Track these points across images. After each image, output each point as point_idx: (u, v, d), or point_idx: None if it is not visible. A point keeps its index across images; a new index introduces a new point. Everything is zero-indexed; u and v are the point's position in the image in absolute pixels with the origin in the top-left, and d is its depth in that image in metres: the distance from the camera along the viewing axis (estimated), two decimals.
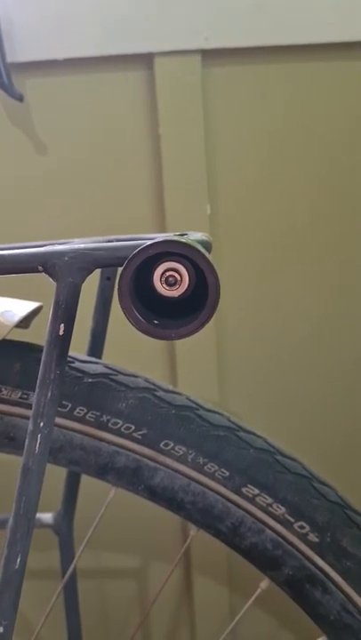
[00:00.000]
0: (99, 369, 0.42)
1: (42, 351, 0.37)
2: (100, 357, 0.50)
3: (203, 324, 0.28)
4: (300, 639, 0.84)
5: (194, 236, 0.37)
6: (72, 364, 0.41)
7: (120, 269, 0.30)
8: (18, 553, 0.34)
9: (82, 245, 0.33)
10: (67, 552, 0.55)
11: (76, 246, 0.32)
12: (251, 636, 0.82)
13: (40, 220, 0.75)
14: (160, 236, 0.29)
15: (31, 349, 0.42)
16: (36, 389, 0.33)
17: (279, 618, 0.84)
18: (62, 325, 0.33)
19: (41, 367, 0.33)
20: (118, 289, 0.28)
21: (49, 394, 0.33)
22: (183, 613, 0.85)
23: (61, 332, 0.33)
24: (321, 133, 0.75)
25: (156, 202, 0.75)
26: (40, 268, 0.33)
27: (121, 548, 0.83)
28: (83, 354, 0.49)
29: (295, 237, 0.77)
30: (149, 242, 0.28)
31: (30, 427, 0.34)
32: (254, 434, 0.43)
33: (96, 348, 0.49)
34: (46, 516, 0.55)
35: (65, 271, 0.32)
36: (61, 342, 0.33)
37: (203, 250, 0.28)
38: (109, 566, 0.83)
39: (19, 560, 0.34)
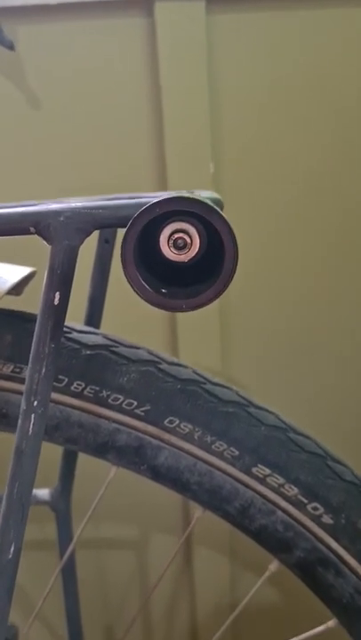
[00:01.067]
0: (98, 340, 0.39)
1: (36, 321, 0.33)
2: (98, 326, 0.46)
3: (218, 294, 0.24)
4: (307, 620, 0.83)
5: (203, 194, 0.33)
6: (69, 335, 0.38)
7: (122, 231, 0.26)
8: (11, 541, 0.31)
9: (79, 204, 0.29)
10: (64, 529, 0.52)
11: (73, 205, 0.29)
12: (253, 619, 0.80)
13: (33, 178, 0.71)
14: (166, 194, 0.25)
15: (24, 319, 0.38)
16: (29, 365, 0.30)
17: (285, 596, 0.82)
18: (58, 294, 0.29)
19: (34, 340, 0.30)
20: (122, 254, 0.24)
21: (43, 370, 0.30)
22: (183, 584, 0.83)
23: (57, 302, 0.29)
24: (329, 82, 0.70)
25: (156, 160, 0.70)
26: (32, 229, 0.29)
27: (120, 520, 0.81)
28: (80, 323, 0.46)
29: (304, 197, 0.73)
30: (156, 199, 0.24)
31: (23, 406, 0.30)
32: (266, 410, 0.40)
33: (94, 316, 0.46)
34: (42, 492, 0.52)
35: (60, 233, 0.29)
36: (56, 312, 0.30)
37: (218, 208, 0.24)
38: (108, 537, 0.82)
39: (12, 549, 0.31)
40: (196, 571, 0.81)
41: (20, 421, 0.30)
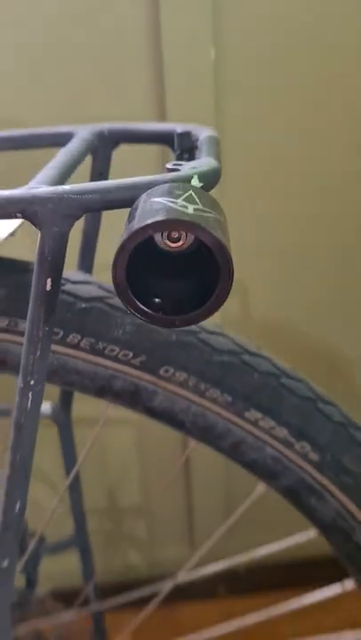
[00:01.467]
0: (92, 291, 0.38)
1: (31, 271, 0.33)
2: (90, 269, 0.45)
3: (211, 312, 0.24)
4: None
5: (198, 163, 0.31)
6: (63, 287, 0.38)
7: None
8: (17, 499, 0.33)
9: (67, 188, 0.27)
10: (67, 440, 0.55)
11: (60, 190, 0.27)
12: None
13: (10, 77, 0.65)
14: (162, 209, 0.23)
15: (18, 270, 0.37)
16: (24, 347, 0.30)
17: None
18: (49, 280, 0.29)
19: (27, 325, 0.30)
20: (113, 278, 0.23)
21: (38, 352, 0.30)
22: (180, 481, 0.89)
23: (49, 288, 0.29)
24: None
25: (152, 47, 0.64)
26: (19, 215, 0.28)
27: None
28: (71, 266, 0.45)
29: (308, 88, 0.67)
30: (145, 221, 0.23)
31: (20, 384, 0.31)
32: (260, 355, 0.41)
33: (86, 259, 0.45)
34: (44, 407, 0.54)
35: (49, 220, 0.27)
36: (49, 297, 0.29)
37: (215, 230, 0.23)
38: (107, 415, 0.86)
39: (18, 506, 0.34)
40: (194, 462, 0.86)
41: (17, 398, 0.31)
